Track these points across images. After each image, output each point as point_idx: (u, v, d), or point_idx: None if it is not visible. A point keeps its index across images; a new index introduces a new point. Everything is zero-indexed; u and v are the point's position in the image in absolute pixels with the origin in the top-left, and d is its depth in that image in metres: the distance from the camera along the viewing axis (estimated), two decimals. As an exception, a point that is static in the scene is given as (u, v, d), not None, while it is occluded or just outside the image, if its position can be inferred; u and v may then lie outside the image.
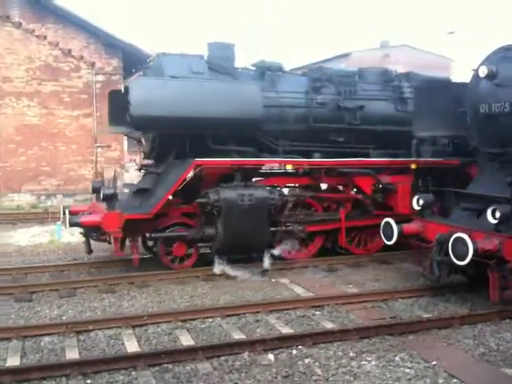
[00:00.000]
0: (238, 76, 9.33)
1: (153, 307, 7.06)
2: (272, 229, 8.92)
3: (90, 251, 9.01)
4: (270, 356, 5.52)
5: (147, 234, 8.79)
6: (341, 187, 9.93)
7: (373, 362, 5.40)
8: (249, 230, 8.50)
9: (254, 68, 9.85)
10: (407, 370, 5.22)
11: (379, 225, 9.65)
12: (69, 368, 5.04)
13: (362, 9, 66.61)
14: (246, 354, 5.52)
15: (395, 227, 7.56)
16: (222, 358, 5.45)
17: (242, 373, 5.16)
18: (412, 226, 7.69)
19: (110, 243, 8.53)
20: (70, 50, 17.80)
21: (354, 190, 9.94)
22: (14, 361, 5.35)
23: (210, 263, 8.64)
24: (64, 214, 8.40)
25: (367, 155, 9.82)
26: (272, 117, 9.16)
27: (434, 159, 9.55)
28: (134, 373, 5.11)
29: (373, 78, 10.43)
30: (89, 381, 4.96)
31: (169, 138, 8.74)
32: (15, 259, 9.87)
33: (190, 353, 5.42)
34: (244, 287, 7.96)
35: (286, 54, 43.92)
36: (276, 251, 8.90)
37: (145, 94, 8.22)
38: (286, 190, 9.58)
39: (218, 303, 7.21)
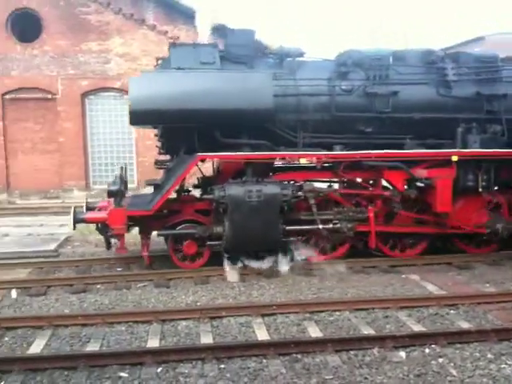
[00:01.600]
0: (253, 64, 8.68)
1: (281, 297, 7.17)
2: (289, 227, 8.25)
3: (108, 247, 8.81)
4: (402, 353, 5.39)
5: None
6: (370, 182, 8.94)
7: (514, 366, 5.06)
8: (258, 229, 7.93)
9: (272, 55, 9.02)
10: (554, 377, 4.83)
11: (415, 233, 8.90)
12: (204, 352, 5.28)
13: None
14: (375, 350, 5.43)
15: None
16: (351, 352, 5.40)
17: (372, 368, 5.09)
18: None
19: (119, 239, 8.34)
20: (200, 50, 18.59)
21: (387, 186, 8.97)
22: (154, 343, 5.69)
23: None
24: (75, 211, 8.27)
25: (402, 146, 8.75)
26: (289, 106, 8.48)
27: None
28: (264, 361, 5.23)
29: (412, 60, 9.15)
30: (222, 365, 5.15)
31: (175, 132, 8.37)
32: (155, 247, 10.44)
33: (320, 345, 5.45)
34: (372, 282, 7.82)
35: (422, 39, 42.04)
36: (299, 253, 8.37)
37: (142, 87, 7.99)
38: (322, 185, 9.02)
39: (346, 297, 7.15)
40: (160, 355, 5.26)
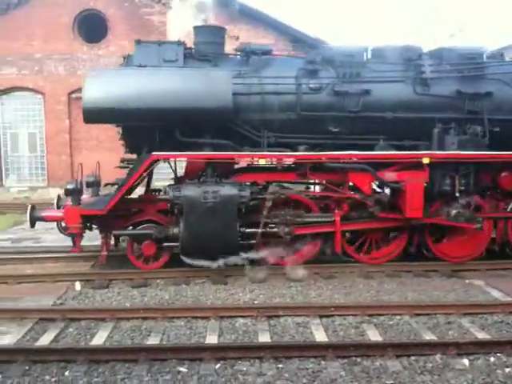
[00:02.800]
0: (218, 62, 8.43)
1: (339, 299, 7.10)
2: (248, 230, 7.95)
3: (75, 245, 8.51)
4: (465, 361, 5.21)
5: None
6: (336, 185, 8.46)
7: None
8: (214, 231, 7.67)
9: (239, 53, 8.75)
10: None
11: (385, 229, 8.43)
12: (262, 351, 5.27)
13: None
14: (437, 357, 5.27)
15: None
16: (412, 357, 5.27)
17: (434, 375, 4.95)
18: None
19: (75, 238, 8.23)
20: (259, 49, 18.63)
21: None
22: (212, 339, 5.74)
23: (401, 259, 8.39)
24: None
25: (373, 147, 8.32)
26: (253, 105, 8.18)
27: None
28: (323, 362, 5.17)
29: (390, 57, 8.66)
30: (280, 365, 5.13)
31: (136, 131, 8.21)
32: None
33: (379, 349, 5.34)
34: (434, 286, 7.61)
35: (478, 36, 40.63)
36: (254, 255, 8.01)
37: (96, 85, 7.83)
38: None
39: (407, 300, 6.99)
40: (218, 352, 5.29)
